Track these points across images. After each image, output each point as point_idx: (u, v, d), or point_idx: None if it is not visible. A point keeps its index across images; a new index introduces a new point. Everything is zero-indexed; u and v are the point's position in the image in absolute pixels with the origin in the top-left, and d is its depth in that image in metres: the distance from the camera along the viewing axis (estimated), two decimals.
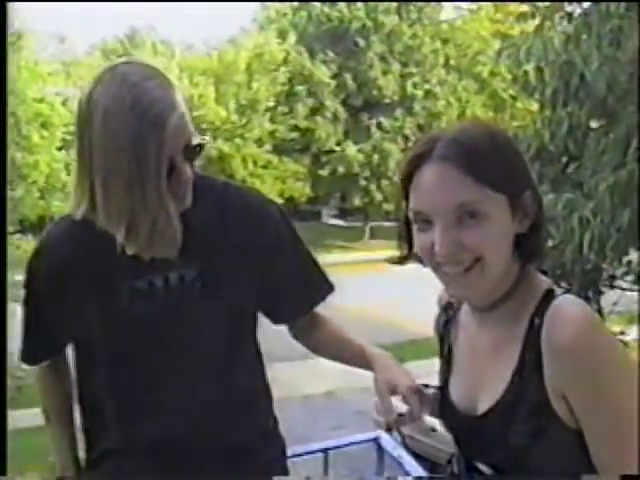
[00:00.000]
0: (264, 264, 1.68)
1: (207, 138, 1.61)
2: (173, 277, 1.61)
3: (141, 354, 1.64)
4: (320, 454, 2.34)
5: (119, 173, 1.45)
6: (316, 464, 2.41)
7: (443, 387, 1.49)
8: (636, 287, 7.20)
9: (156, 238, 1.51)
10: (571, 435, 1.25)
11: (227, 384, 1.68)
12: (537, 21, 7.28)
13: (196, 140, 1.51)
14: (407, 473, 3.53)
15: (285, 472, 1.83)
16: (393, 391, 1.59)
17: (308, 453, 2.36)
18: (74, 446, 1.83)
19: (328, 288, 1.79)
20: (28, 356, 1.80)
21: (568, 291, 1.32)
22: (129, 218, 1.48)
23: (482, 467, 1.38)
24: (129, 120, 1.43)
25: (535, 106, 9.11)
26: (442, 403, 1.48)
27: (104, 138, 1.45)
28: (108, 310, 1.63)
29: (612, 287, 7.36)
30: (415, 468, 3.07)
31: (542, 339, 1.25)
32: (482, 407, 1.36)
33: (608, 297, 7.30)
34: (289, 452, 1.87)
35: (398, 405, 1.55)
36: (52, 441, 1.85)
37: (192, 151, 1.51)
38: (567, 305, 1.26)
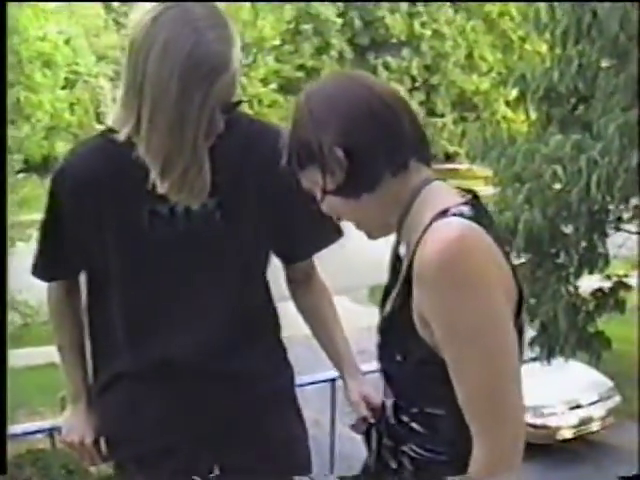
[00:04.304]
0: (281, 201, 1.70)
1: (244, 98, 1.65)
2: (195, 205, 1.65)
3: (156, 278, 1.68)
4: (327, 384, 2.40)
5: (164, 112, 1.49)
6: (324, 393, 2.47)
7: None
8: None
9: (185, 187, 1.56)
10: (438, 364, 1.23)
11: (240, 311, 1.71)
12: None
13: (236, 97, 1.55)
14: None
15: (294, 400, 1.86)
16: (365, 401, 1.71)
17: (314, 383, 2.41)
18: (85, 375, 1.85)
19: (338, 232, 1.81)
20: (43, 271, 1.81)
21: (480, 211, 1.27)
22: (165, 158, 1.52)
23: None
24: (183, 65, 1.46)
25: (544, 47, 8.98)
26: None
27: (158, 73, 1.48)
28: (127, 232, 1.65)
29: (618, 229, 7.34)
30: None
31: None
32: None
33: (614, 239, 7.28)
34: (297, 382, 1.90)
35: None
36: (64, 371, 1.87)
37: (230, 107, 1.55)
38: (443, 226, 1.21)
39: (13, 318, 11.65)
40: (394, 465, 1.39)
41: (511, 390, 1.21)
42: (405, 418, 1.36)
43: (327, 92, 1.33)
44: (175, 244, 1.66)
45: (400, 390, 1.38)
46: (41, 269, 1.80)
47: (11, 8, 14.45)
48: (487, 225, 1.25)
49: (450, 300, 1.17)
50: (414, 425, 1.35)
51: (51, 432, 2.20)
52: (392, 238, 1.42)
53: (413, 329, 1.25)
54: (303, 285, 1.89)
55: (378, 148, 1.29)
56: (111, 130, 1.62)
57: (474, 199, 1.31)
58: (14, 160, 12.10)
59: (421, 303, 1.23)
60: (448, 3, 30.39)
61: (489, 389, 1.20)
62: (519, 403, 1.23)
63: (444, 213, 1.23)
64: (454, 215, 1.22)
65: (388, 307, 1.34)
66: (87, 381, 1.85)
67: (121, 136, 1.56)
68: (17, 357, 12.67)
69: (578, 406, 9.67)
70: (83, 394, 1.84)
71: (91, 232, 1.67)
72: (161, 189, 1.57)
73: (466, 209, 1.24)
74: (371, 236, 1.40)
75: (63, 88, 17.64)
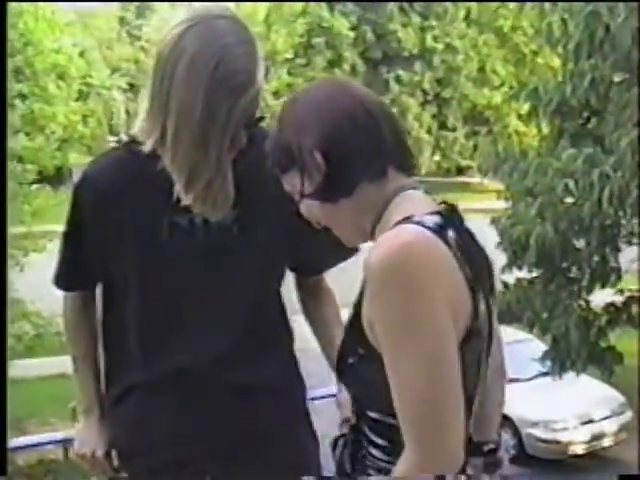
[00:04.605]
0: (298, 217, 1.70)
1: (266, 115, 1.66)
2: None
3: (172, 289, 1.69)
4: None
5: (189, 126, 1.51)
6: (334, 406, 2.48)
7: None
8: None
9: (209, 199, 1.58)
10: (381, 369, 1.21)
11: (254, 323, 1.72)
12: None
13: (259, 113, 1.57)
14: None
15: (307, 413, 1.87)
16: None
17: (323, 397, 2.41)
18: (99, 387, 1.85)
19: (353, 248, 1.81)
20: (63, 281, 1.82)
21: (450, 223, 1.26)
22: (190, 171, 1.55)
23: None
24: (209, 81, 1.49)
25: (556, 61, 8.98)
26: None
27: (184, 88, 1.50)
28: (146, 242, 1.67)
29: (630, 244, 7.31)
30: None
31: None
32: None
33: (626, 254, 7.25)
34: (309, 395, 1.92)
35: None
36: (77, 382, 1.87)
37: (253, 122, 1.57)
38: (396, 231, 1.23)
39: (26, 329, 11.68)
40: (349, 470, 1.38)
41: (443, 399, 1.18)
42: (362, 425, 1.35)
43: (312, 97, 1.36)
44: (193, 256, 1.67)
45: (354, 395, 1.37)
46: (62, 279, 1.81)
47: (27, 21, 14.58)
48: (456, 238, 1.25)
49: (386, 301, 1.17)
50: (370, 433, 1.33)
51: (64, 443, 2.21)
52: None
53: (363, 332, 1.26)
54: (312, 293, 1.91)
55: (357, 154, 1.30)
56: (132, 142, 1.64)
57: (449, 211, 1.30)
58: (27, 171, 12.17)
59: (366, 305, 1.24)
60: (460, 17, 30.44)
61: (418, 394, 1.18)
62: (452, 413, 1.19)
63: (407, 219, 1.24)
64: (414, 222, 1.23)
65: (350, 310, 1.34)
66: (100, 393, 1.85)
67: (146, 147, 1.58)
68: (29, 367, 12.68)
69: (590, 421, 9.60)
70: (96, 406, 1.84)
71: (111, 242, 1.69)
72: (185, 201, 1.59)
73: (430, 218, 1.25)
74: (349, 242, 1.42)
75: (77, 100, 17.72)
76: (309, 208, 1.37)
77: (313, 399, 2.11)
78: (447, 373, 1.17)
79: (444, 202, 1.35)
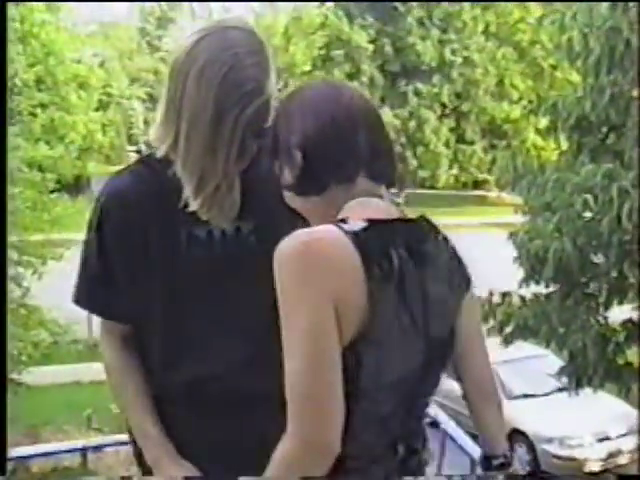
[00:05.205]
0: None
1: None
2: (230, 228, 1.68)
3: (191, 299, 1.69)
4: None
5: (199, 131, 1.56)
6: None
7: None
8: None
9: (215, 205, 1.61)
10: None
11: (273, 334, 1.70)
12: None
13: (269, 123, 1.58)
14: (461, 448, 3.65)
15: None
16: None
17: None
18: (158, 420, 1.74)
19: None
20: (87, 300, 1.77)
21: (377, 232, 1.33)
22: (199, 176, 1.58)
23: None
24: (218, 88, 1.54)
25: (575, 76, 8.95)
26: None
27: (195, 94, 1.55)
28: (166, 254, 1.67)
29: None
30: (467, 443, 3.19)
31: None
32: None
33: None
34: None
35: None
36: (136, 432, 1.77)
37: (263, 133, 1.58)
38: (313, 228, 1.37)
39: (42, 336, 11.72)
40: None
41: (310, 384, 1.26)
42: None
43: (302, 98, 1.47)
44: (211, 267, 1.68)
45: None
46: (85, 298, 1.76)
47: (49, 31, 14.71)
48: (381, 246, 1.33)
49: (279, 282, 1.30)
50: None
51: (83, 452, 2.20)
52: None
53: None
54: None
55: (331, 158, 1.41)
56: (151, 155, 1.67)
57: (388, 222, 1.38)
58: (47, 179, 12.24)
59: None
60: (479, 31, 30.45)
61: (292, 375, 1.27)
62: (321, 401, 1.27)
63: (342, 221, 1.36)
64: (339, 224, 1.34)
65: None
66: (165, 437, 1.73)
67: (160, 152, 1.62)
68: (44, 375, 12.74)
69: (606, 438, 9.52)
70: (168, 444, 1.72)
71: (137, 259, 1.68)
72: (192, 206, 1.61)
73: (358, 224, 1.33)
74: None
75: (96, 110, 17.84)
76: (288, 198, 1.49)
77: None
78: (320, 356, 1.26)
79: (421, 216, 1.46)
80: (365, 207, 1.40)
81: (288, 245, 1.30)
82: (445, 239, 1.50)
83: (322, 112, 1.41)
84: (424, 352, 1.39)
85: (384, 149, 1.46)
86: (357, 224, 1.33)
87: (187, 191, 1.60)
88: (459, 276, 1.51)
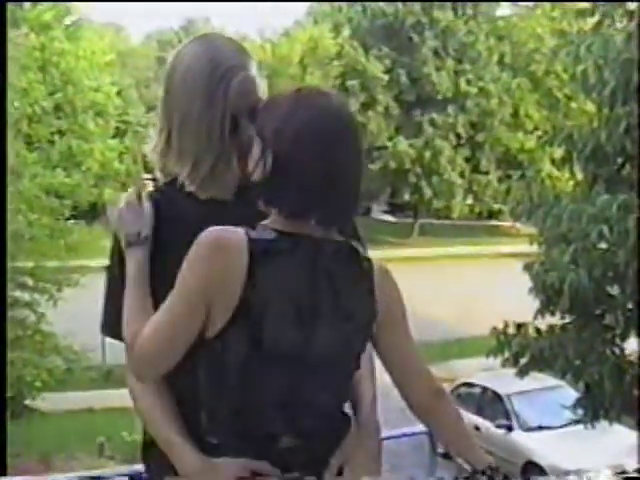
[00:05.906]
0: None
1: None
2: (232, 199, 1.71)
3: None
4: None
5: (191, 118, 1.63)
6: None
7: None
8: None
9: (215, 179, 1.67)
10: None
11: None
12: (596, 18, 7.14)
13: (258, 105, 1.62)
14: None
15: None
16: None
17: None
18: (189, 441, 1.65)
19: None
20: (112, 329, 1.72)
21: (284, 244, 1.48)
22: (194, 159, 1.65)
23: None
24: (203, 72, 1.63)
25: (590, 106, 8.96)
26: None
27: (183, 86, 1.65)
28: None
29: None
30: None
31: None
32: None
33: None
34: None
35: None
36: (171, 455, 1.66)
37: (255, 114, 1.60)
38: (225, 226, 1.50)
39: (57, 362, 11.74)
40: None
41: (164, 321, 1.51)
42: None
43: (283, 107, 1.51)
44: None
45: None
46: (111, 326, 1.71)
47: (69, 60, 14.89)
48: (274, 250, 1.47)
49: (185, 260, 1.50)
50: None
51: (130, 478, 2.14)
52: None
53: None
54: None
55: (299, 173, 1.48)
56: (168, 183, 1.70)
57: (300, 237, 1.49)
58: (64, 206, 12.33)
59: None
60: (494, 61, 30.59)
61: (169, 305, 1.52)
62: (167, 329, 1.51)
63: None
64: (248, 229, 1.48)
65: None
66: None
67: (154, 157, 1.70)
68: (57, 401, 12.75)
69: (623, 472, 9.38)
70: (202, 458, 1.60)
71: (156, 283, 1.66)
72: (190, 187, 1.67)
73: (263, 230, 1.49)
74: None
75: (113, 137, 18.01)
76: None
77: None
78: (181, 310, 1.50)
79: (345, 241, 1.56)
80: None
81: (204, 234, 1.48)
82: (369, 263, 1.57)
83: (297, 123, 1.48)
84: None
85: (350, 181, 1.52)
86: (258, 229, 1.50)
87: (182, 175, 1.67)
88: (367, 303, 1.55)
